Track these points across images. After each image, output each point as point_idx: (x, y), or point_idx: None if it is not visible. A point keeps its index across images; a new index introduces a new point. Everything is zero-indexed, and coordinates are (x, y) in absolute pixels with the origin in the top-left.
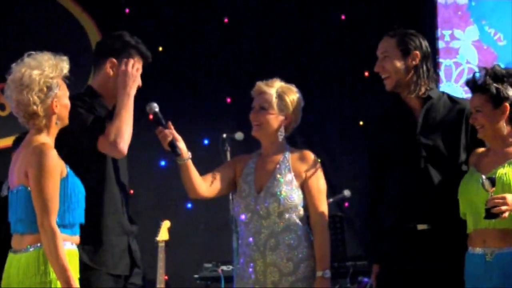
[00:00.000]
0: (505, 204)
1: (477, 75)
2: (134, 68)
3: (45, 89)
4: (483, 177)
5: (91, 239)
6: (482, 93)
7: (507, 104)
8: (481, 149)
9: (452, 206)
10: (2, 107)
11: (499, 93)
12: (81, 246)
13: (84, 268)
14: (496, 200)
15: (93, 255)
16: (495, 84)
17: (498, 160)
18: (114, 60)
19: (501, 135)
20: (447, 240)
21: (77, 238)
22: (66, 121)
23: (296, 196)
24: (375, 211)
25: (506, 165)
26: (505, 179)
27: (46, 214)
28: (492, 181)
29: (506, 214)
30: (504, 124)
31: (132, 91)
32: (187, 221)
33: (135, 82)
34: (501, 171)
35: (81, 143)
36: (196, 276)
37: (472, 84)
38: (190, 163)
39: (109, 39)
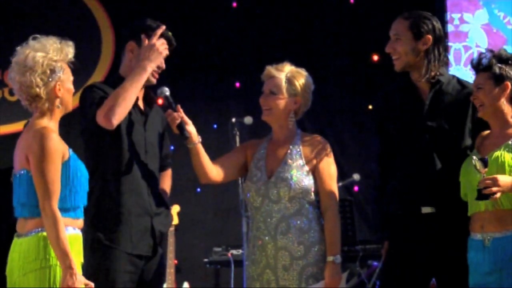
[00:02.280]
0: (496, 185)
1: (482, 55)
2: (160, 42)
3: (48, 71)
4: (474, 157)
5: (109, 217)
6: (484, 71)
7: (508, 83)
8: (486, 132)
9: (455, 190)
10: (12, 92)
11: (501, 72)
12: (100, 224)
13: (102, 247)
14: (487, 181)
15: (111, 234)
16: (498, 64)
17: (498, 142)
18: (133, 43)
19: (501, 115)
20: (451, 223)
21: (80, 222)
22: (69, 107)
23: (307, 181)
24: (383, 190)
25: (502, 147)
26: (499, 160)
27: (48, 197)
28: (484, 162)
29: (498, 195)
30: (505, 102)
31: (149, 66)
32: (197, 206)
33: (157, 58)
34: (497, 153)
35: (86, 118)
36: (205, 260)
37: (476, 64)
38: (200, 147)
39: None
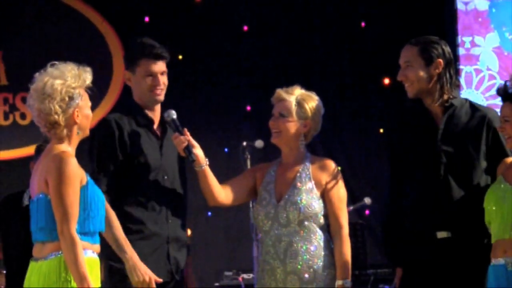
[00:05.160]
0: None
1: (509, 84)
2: None
3: (66, 99)
4: None
5: None
6: (511, 103)
7: None
8: (510, 159)
9: (471, 214)
10: (23, 116)
11: None
12: (114, 252)
13: (118, 273)
14: None
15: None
16: None
17: None
18: (126, 72)
19: None
20: (467, 248)
21: (97, 247)
22: (87, 132)
23: (316, 205)
24: (396, 215)
25: None
26: None
27: (66, 221)
28: None
29: None
30: None
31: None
32: (208, 229)
33: None
34: None
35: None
36: (216, 284)
37: (503, 92)
38: (208, 170)
39: (125, 51)
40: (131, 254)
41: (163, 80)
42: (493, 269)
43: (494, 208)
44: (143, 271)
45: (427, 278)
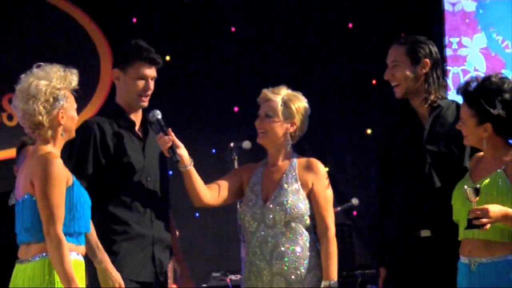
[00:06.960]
0: (487, 216)
1: (470, 84)
2: None
3: (51, 100)
4: (466, 186)
5: (109, 247)
6: (469, 107)
7: (489, 125)
8: (480, 154)
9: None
10: (10, 118)
11: (484, 111)
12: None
13: None
14: (478, 212)
15: (113, 263)
16: (482, 100)
17: (489, 168)
18: (116, 70)
19: (488, 146)
20: (450, 247)
21: (82, 248)
22: (72, 134)
23: (302, 206)
24: (383, 215)
25: (493, 174)
26: (489, 189)
27: (52, 222)
28: (476, 191)
29: (488, 226)
30: (485, 141)
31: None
32: (195, 230)
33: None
34: (486, 181)
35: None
36: (204, 285)
37: (463, 92)
38: (192, 170)
39: (116, 51)
40: (101, 258)
41: (152, 86)
42: (460, 266)
43: (460, 206)
44: (114, 278)
45: (410, 277)
